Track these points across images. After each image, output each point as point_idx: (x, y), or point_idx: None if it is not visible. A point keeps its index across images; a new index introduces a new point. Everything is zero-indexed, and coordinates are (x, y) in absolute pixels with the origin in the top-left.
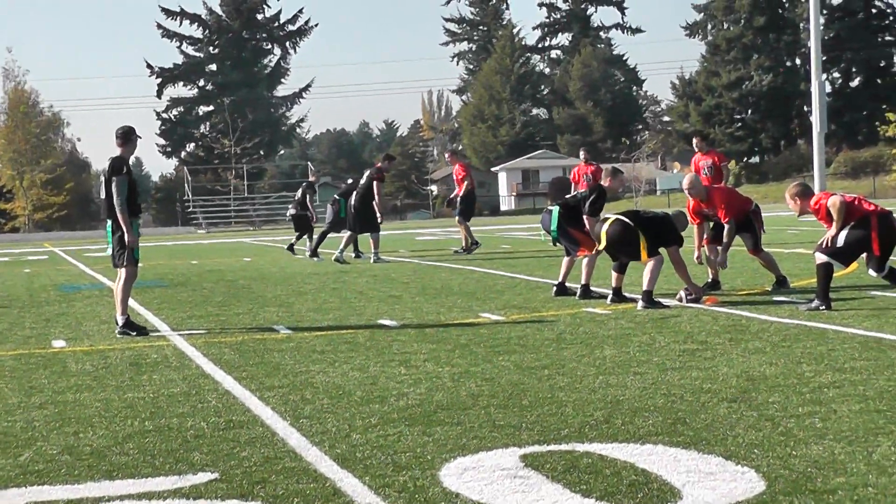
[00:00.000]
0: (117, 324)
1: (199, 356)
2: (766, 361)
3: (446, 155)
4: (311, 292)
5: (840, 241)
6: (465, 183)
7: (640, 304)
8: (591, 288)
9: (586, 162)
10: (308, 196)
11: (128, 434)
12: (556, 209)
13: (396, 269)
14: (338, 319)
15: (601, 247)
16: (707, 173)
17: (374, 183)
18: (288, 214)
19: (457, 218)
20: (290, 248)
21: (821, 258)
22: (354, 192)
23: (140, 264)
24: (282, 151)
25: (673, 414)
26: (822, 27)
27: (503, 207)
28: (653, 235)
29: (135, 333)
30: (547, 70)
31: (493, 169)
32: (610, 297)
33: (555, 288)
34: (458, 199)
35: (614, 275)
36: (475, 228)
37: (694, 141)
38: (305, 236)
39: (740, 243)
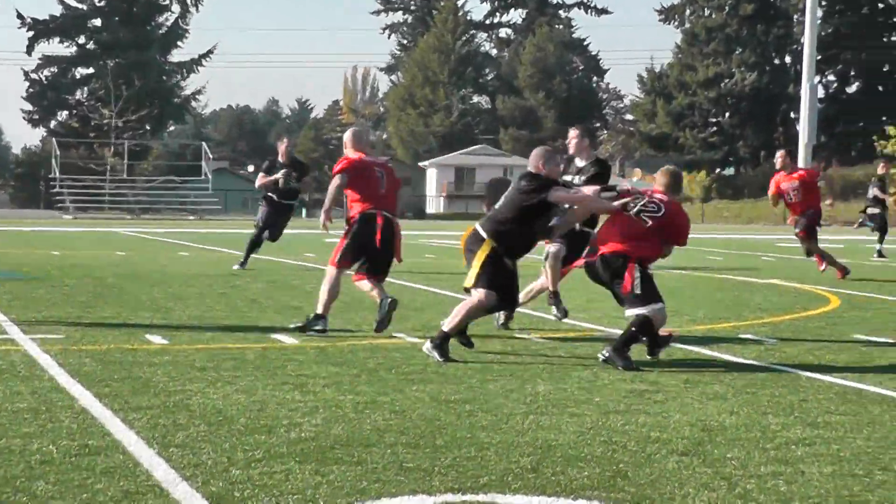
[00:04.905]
0: None
1: (54, 365)
2: (727, 409)
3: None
4: (193, 297)
5: None
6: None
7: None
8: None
9: None
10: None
11: None
12: None
13: (299, 274)
14: (223, 331)
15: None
16: (792, 197)
17: None
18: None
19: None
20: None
21: None
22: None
23: None
24: (172, 128)
25: (613, 465)
26: (819, 21)
27: (429, 210)
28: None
29: None
30: (493, 51)
31: (421, 164)
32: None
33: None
34: None
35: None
36: None
37: (778, 158)
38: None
39: (703, 267)
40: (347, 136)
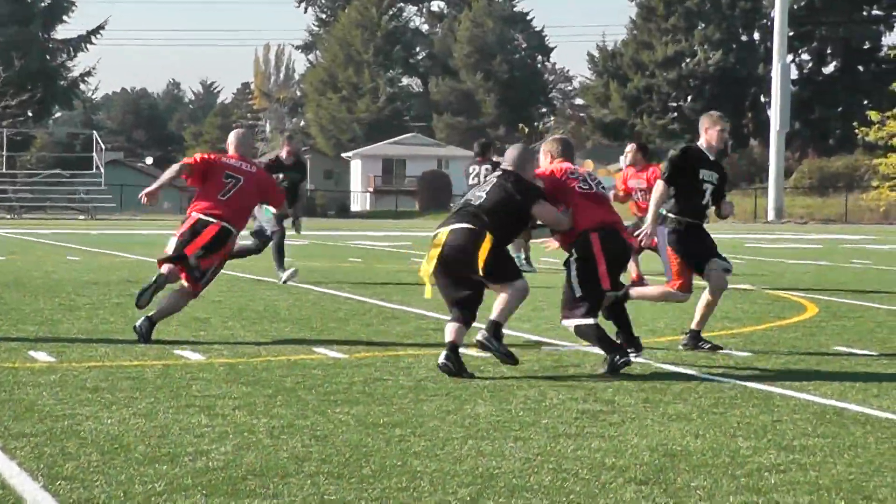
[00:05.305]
0: None
1: None
2: (691, 432)
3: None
4: (85, 308)
5: None
6: None
7: (480, 335)
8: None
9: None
10: None
11: None
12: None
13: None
14: (120, 347)
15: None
16: (639, 197)
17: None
18: None
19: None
20: None
21: None
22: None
23: None
24: (58, 114)
25: (563, 496)
26: None
27: (354, 207)
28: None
29: None
30: (425, 27)
31: (344, 155)
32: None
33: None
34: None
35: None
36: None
37: (628, 153)
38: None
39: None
40: (233, 138)
